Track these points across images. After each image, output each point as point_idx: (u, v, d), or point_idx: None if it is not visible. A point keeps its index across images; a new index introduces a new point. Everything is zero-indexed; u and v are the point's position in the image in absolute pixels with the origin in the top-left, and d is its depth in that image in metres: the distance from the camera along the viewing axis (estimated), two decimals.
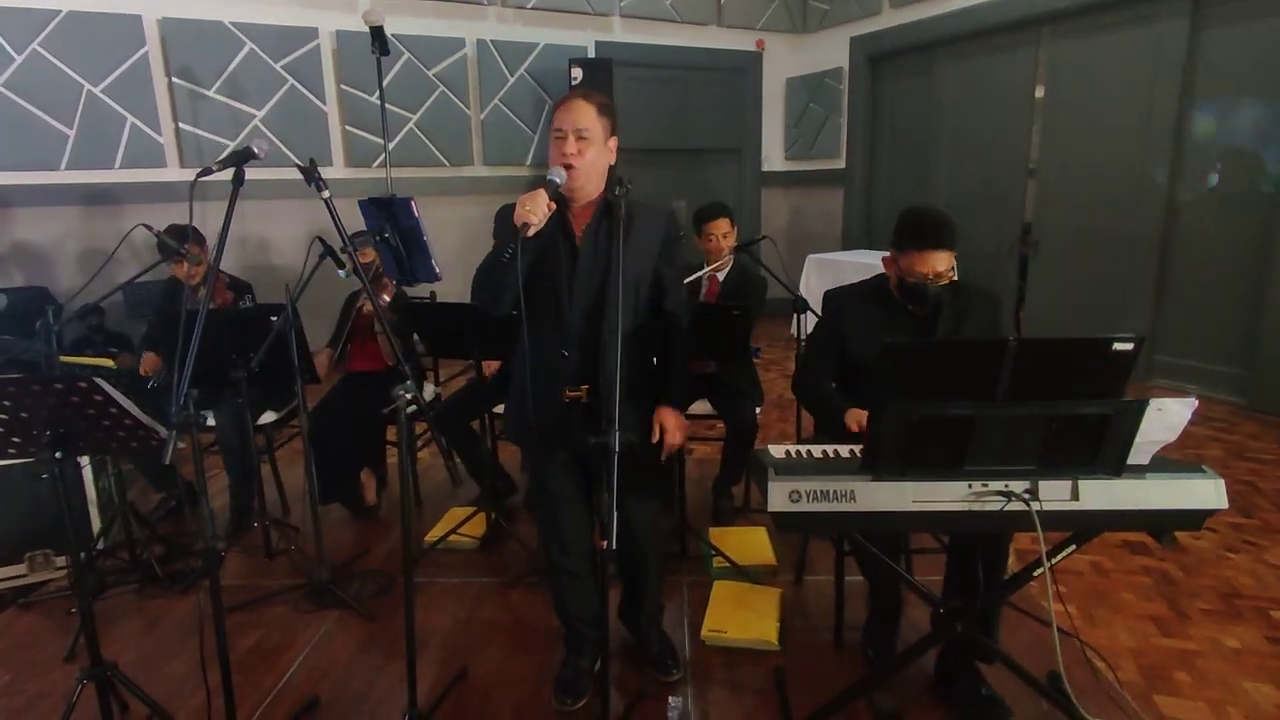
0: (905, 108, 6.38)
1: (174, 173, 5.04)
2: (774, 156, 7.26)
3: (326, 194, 1.65)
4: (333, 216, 1.67)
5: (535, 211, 1.68)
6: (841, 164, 6.75)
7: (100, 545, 2.84)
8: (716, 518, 3.08)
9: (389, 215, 2.17)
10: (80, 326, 4.11)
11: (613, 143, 1.87)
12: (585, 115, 1.79)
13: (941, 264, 1.96)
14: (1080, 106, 4.97)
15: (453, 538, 2.88)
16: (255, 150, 1.74)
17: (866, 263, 5.63)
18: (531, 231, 1.69)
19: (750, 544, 2.82)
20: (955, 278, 2.05)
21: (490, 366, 2.97)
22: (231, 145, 5.12)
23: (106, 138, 4.82)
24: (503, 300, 1.81)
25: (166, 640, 2.41)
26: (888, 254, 2.09)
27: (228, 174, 1.68)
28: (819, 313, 2.27)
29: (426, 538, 2.93)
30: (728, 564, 2.66)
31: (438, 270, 2.22)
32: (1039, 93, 5.27)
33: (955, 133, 5.94)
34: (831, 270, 5.79)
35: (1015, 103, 5.42)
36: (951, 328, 2.05)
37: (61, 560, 2.75)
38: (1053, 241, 5.27)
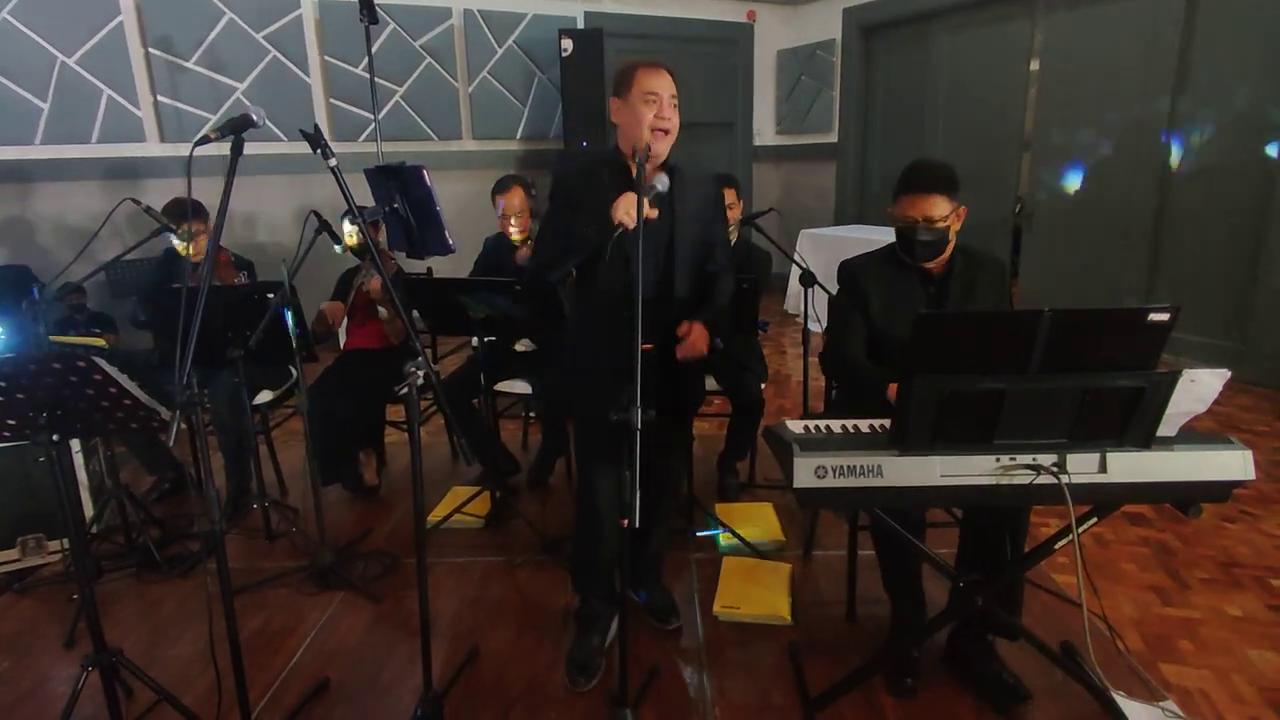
0: (899, 80, 6.32)
1: (154, 147, 4.89)
2: (765, 130, 7.19)
3: (333, 162, 1.58)
4: (340, 185, 1.61)
5: (631, 215, 1.70)
6: (834, 138, 6.70)
7: (94, 529, 2.78)
8: (722, 494, 3.07)
9: (398, 185, 2.08)
10: (60, 307, 4.00)
11: None
12: (673, 83, 1.86)
13: (931, 209, 1.95)
14: (1076, 78, 4.94)
15: (457, 517, 2.85)
16: (253, 117, 1.67)
17: (860, 237, 5.59)
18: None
19: (757, 519, 2.81)
20: (949, 234, 2.01)
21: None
22: (213, 119, 4.97)
23: (82, 111, 4.65)
24: (558, 276, 1.92)
25: (167, 624, 2.36)
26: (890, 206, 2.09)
27: (217, 147, 1.60)
28: (825, 287, 2.25)
29: (430, 517, 2.89)
30: (736, 540, 2.65)
31: (451, 242, 2.14)
32: (1034, 65, 5.23)
33: (950, 105, 5.90)
34: (826, 245, 5.76)
35: (1010, 75, 5.38)
36: (965, 292, 2.06)
37: (54, 545, 2.69)
38: (1046, 214, 5.27)
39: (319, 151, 1.57)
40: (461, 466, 3.49)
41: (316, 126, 1.62)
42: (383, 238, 2.97)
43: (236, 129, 1.65)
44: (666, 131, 1.84)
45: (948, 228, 1.98)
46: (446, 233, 2.12)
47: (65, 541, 2.68)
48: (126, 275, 4.50)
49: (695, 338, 1.92)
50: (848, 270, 2.17)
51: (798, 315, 6.12)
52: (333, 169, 1.57)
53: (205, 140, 1.59)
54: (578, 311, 2.08)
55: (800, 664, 2.07)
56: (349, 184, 1.69)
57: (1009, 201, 5.51)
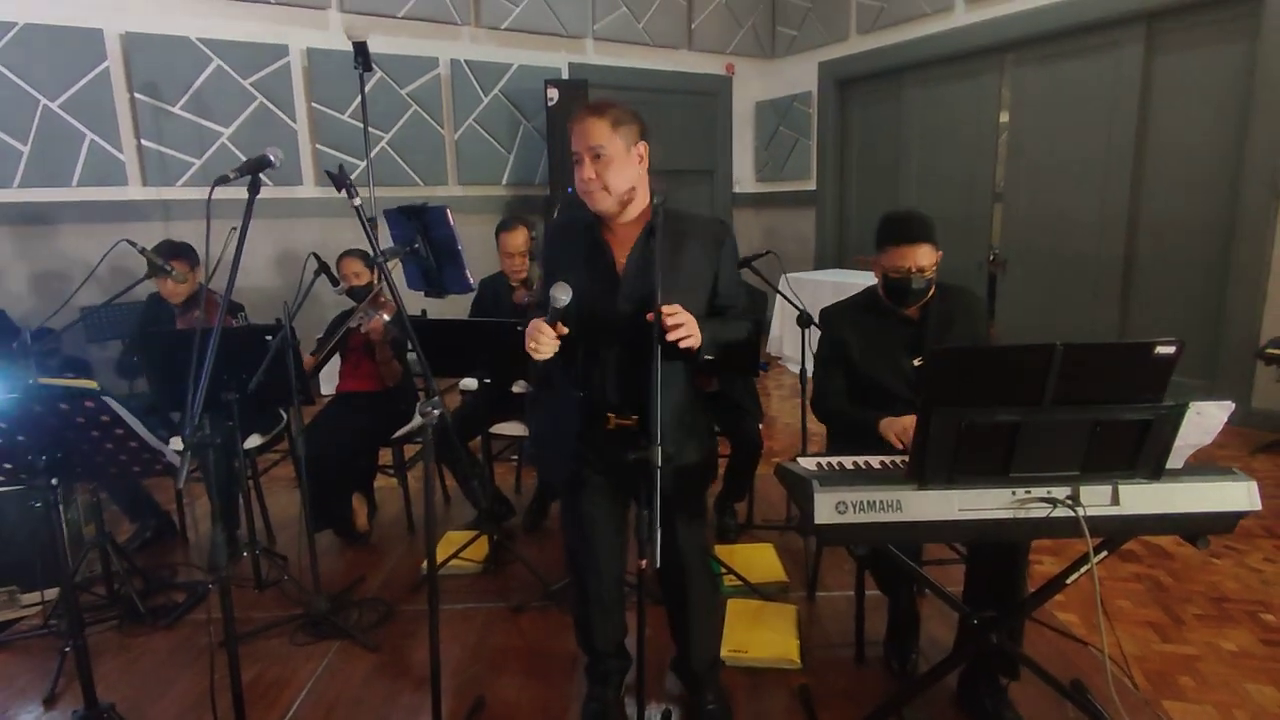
0: (873, 131, 6.55)
1: (136, 191, 4.84)
2: (745, 177, 7.37)
3: (358, 201, 1.60)
4: (362, 224, 1.62)
5: (542, 350, 1.61)
6: (812, 185, 6.88)
7: (74, 580, 2.67)
8: (721, 535, 3.05)
9: (419, 225, 2.10)
10: (34, 351, 3.89)
11: (641, 148, 1.74)
12: (598, 132, 1.67)
13: (922, 258, 2.02)
14: (1043, 131, 5.16)
15: (455, 562, 2.79)
16: (270, 158, 1.68)
17: (840, 281, 5.73)
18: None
19: (759, 561, 2.79)
20: (935, 278, 2.10)
21: None
22: (197, 164, 4.95)
23: (63, 154, 4.60)
24: None
25: (153, 678, 2.27)
26: (874, 256, 2.13)
27: (189, 193, 1.61)
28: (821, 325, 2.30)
29: (425, 563, 2.83)
30: (740, 582, 2.63)
31: (471, 281, 2.15)
32: (1004, 117, 5.46)
33: (922, 155, 6.11)
34: (808, 289, 5.85)
35: (980, 127, 5.60)
36: (942, 327, 2.12)
37: (30, 598, 2.58)
38: (1019, 261, 5.44)
39: (344, 192, 1.58)
40: (454, 511, 3.44)
41: (341, 167, 1.64)
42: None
43: (254, 169, 1.67)
44: (588, 194, 1.68)
45: (935, 273, 2.06)
46: (467, 272, 2.13)
47: (44, 594, 2.57)
48: (104, 319, 4.41)
49: (686, 320, 1.59)
50: (827, 317, 2.23)
51: (780, 357, 6.18)
52: (356, 209, 1.59)
53: (224, 180, 1.60)
54: (541, 379, 1.90)
55: (813, 708, 2.04)
56: (331, 229, 1.68)
57: (983, 248, 5.67)
